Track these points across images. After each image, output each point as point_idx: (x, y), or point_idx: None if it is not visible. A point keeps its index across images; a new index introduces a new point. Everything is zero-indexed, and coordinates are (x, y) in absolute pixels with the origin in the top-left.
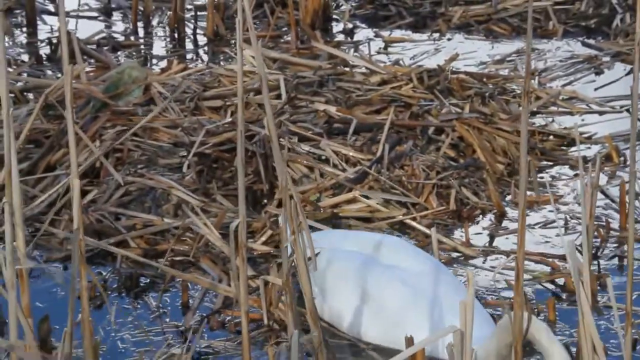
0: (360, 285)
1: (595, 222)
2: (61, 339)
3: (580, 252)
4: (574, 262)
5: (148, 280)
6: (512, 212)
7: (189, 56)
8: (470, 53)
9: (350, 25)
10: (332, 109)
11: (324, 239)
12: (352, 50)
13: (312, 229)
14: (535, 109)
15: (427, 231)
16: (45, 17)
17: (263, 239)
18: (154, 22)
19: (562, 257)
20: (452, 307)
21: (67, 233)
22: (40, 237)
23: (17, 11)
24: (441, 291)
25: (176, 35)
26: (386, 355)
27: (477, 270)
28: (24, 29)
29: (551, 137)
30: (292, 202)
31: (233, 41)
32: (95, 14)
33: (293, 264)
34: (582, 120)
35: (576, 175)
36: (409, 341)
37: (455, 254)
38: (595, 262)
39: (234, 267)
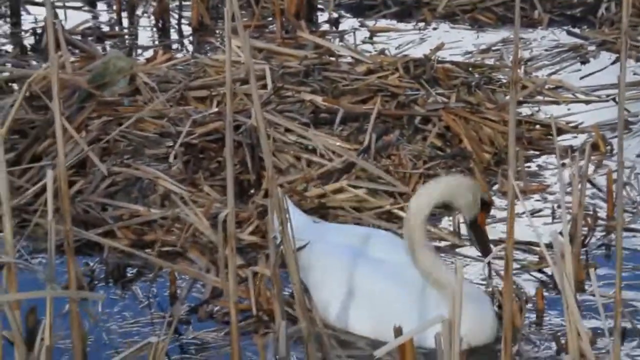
0: (348, 278)
1: (583, 211)
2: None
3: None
4: (558, 252)
5: (135, 270)
6: (499, 202)
7: (174, 46)
8: (456, 42)
9: (335, 15)
10: (319, 99)
11: (313, 231)
12: (337, 40)
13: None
14: (521, 99)
15: None
16: (29, 7)
17: (250, 229)
18: (139, 12)
19: (551, 246)
20: (440, 297)
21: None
22: (25, 227)
23: (1, 1)
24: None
25: (161, 25)
26: (375, 346)
27: (465, 259)
28: (8, 19)
29: (537, 126)
30: (279, 192)
31: (218, 31)
32: (79, 4)
33: (281, 254)
34: (569, 109)
35: (563, 164)
36: (397, 331)
37: (443, 243)
38: (584, 251)
39: (222, 257)
